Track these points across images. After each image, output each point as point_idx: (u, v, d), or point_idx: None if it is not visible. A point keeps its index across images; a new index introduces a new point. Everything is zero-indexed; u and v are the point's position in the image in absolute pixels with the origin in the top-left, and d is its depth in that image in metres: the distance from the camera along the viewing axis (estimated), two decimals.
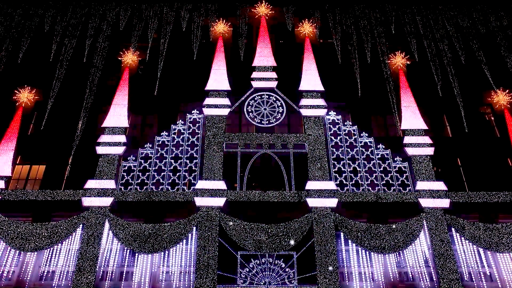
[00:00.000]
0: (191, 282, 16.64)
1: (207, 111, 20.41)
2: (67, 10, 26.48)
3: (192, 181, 18.93)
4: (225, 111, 20.44)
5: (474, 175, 20.48)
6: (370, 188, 19.11)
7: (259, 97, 21.18)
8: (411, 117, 20.38)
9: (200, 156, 19.50)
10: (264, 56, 22.05)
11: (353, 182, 19.10)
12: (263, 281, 16.69)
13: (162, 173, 19.31)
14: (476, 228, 17.26)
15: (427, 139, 19.66)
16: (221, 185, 18.20)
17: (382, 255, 17.32)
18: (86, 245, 16.86)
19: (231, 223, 17.31)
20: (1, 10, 26.34)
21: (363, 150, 19.85)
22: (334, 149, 19.83)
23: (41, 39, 25.60)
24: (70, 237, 17.37)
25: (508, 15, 26.70)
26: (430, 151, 19.36)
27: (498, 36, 25.84)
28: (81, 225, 17.35)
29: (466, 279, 17.12)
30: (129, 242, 16.88)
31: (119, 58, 23.52)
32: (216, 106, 20.51)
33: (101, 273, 16.98)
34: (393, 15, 26.65)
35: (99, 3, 26.55)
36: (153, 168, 19.24)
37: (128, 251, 17.30)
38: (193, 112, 20.74)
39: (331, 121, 20.53)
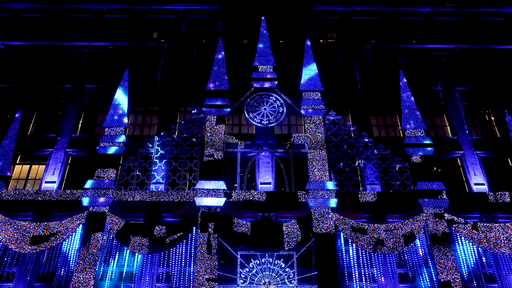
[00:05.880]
0: (191, 282, 16.63)
1: (207, 111, 20.39)
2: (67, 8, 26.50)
3: (192, 181, 18.94)
4: (225, 111, 20.42)
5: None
6: (370, 188, 19.12)
7: (259, 97, 21.16)
8: (411, 117, 20.36)
9: (200, 156, 19.49)
10: (264, 56, 22.04)
11: (353, 182, 19.10)
12: (263, 281, 16.68)
13: (162, 173, 19.31)
14: (476, 228, 17.24)
15: (427, 139, 19.64)
16: (221, 185, 18.18)
17: (382, 255, 17.32)
18: (86, 245, 16.85)
19: (231, 223, 17.29)
20: None
21: (363, 150, 19.84)
22: (334, 149, 19.82)
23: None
24: (70, 237, 17.36)
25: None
26: (430, 151, 19.35)
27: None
28: (81, 225, 17.33)
29: (466, 279, 17.11)
30: (128, 242, 16.86)
31: (119, 58, 23.54)
32: (216, 106, 20.48)
33: (101, 273, 16.97)
34: (392, 16, 26.66)
35: (99, 2, 26.55)
36: (153, 168, 19.24)
37: (128, 251, 17.29)
38: (193, 112, 20.72)
39: (331, 121, 20.52)
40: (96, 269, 16.45)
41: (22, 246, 16.72)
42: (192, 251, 17.17)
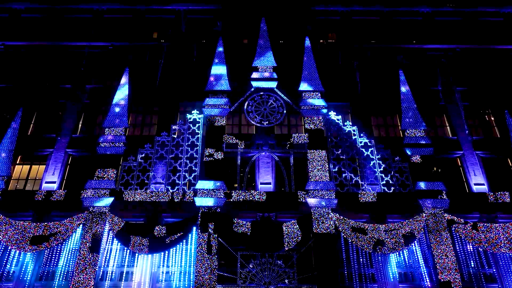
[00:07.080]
0: (191, 282, 16.63)
1: (207, 111, 20.39)
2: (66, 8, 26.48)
3: (192, 181, 18.95)
4: (225, 111, 20.42)
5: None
6: (370, 188, 19.13)
7: (259, 97, 21.17)
8: (411, 117, 20.37)
9: (200, 156, 19.50)
10: (264, 56, 22.04)
11: (353, 182, 19.10)
12: (263, 281, 16.68)
13: (162, 173, 19.31)
14: (476, 228, 17.25)
15: (427, 139, 19.65)
16: (221, 185, 18.19)
17: (382, 255, 17.32)
18: (86, 245, 16.86)
19: (231, 223, 17.30)
20: None
21: (363, 150, 19.85)
22: (334, 149, 19.82)
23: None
24: (70, 237, 17.36)
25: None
26: (430, 151, 19.36)
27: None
28: (81, 225, 17.34)
29: (466, 279, 17.11)
30: (129, 242, 16.86)
31: (119, 58, 23.53)
32: (216, 106, 20.50)
33: (101, 273, 16.98)
34: (391, 16, 26.65)
35: (99, 2, 26.51)
36: (153, 168, 19.25)
37: (128, 251, 17.29)
38: (193, 112, 20.74)
39: (331, 121, 20.52)
40: (96, 269, 16.46)
41: (22, 246, 16.73)
42: (192, 251, 17.18)
